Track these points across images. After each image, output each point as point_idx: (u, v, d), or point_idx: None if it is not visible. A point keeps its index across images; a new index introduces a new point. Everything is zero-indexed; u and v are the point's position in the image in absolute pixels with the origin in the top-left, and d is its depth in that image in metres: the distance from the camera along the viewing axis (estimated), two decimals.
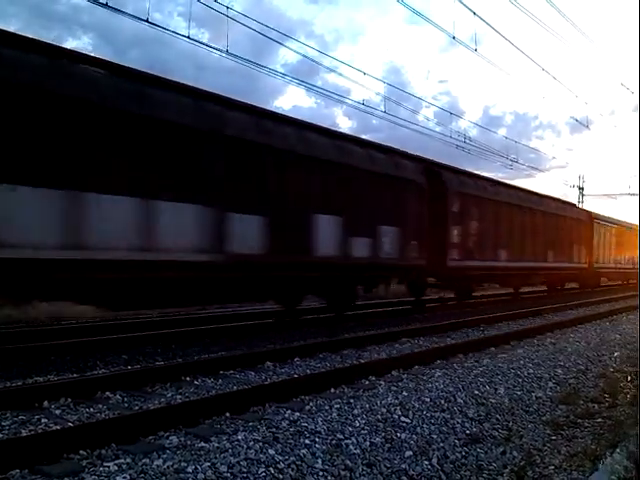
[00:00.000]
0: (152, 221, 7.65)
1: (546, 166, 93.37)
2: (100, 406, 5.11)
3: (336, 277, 11.16)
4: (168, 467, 3.56)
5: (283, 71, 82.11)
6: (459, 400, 5.57)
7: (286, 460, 3.80)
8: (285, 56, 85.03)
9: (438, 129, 54.89)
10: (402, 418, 4.87)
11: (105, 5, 9.14)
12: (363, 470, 3.87)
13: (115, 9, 9.37)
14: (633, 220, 28.96)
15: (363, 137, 12.99)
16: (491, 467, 4.22)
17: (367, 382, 6.24)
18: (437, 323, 11.28)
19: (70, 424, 4.49)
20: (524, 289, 21.10)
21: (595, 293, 23.74)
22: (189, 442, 4.07)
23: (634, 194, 36.68)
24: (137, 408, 5.12)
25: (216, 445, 3.97)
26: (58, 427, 4.40)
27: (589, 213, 25.21)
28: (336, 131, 12.35)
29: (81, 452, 3.79)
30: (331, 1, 78.56)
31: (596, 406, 5.86)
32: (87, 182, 7.00)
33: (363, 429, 4.51)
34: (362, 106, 15.86)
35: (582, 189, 39.65)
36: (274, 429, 4.38)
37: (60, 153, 6.84)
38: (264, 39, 12.01)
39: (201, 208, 8.25)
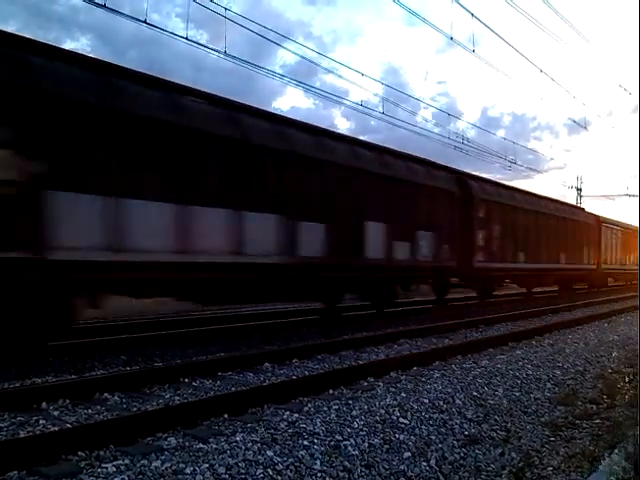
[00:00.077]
0: (242, 228, 8.88)
1: (544, 167, 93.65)
2: (98, 407, 5.10)
3: (381, 278, 12.41)
4: (166, 468, 3.55)
5: (281, 72, 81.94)
6: (458, 401, 5.57)
7: (284, 461, 3.79)
8: (283, 57, 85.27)
9: (436, 130, 55.07)
10: (401, 419, 4.87)
11: (103, 6, 9.13)
12: (361, 471, 3.87)
13: (113, 10, 9.37)
14: (634, 222, 29.51)
15: (408, 152, 14.08)
16: (489, 468, 4.22)
17: (366, 383, 6.23)
18: (436, 324, 11.28)
19: (68, 425, 4.49)
20: (536, 289, 21.98)
21: (601, 293, 24.73)
22: (187, 443, 4.06)
23: (632, 195, 36.81)
24: (135, 409, 5.11)
25: (214, 446, 3.97)
26: (56, 428, 4.40)
27: (597, 217, 26.20)
28: (382, 146, 13.20)
29: (79, 453, 3.79)
30: (329, 2, 78.67)
31: (594, 407, 5.86)
32: (194, 198, 8.25)
33: (362, 430, 4.51)
34: (360, 107, 15.94)
35: (580, 190, 39.77)
36: (272, 430, 4.37)
37: (185, 177, 8.21)
38: (262, 40, 12.11)
39: (279, 217, 9.57)
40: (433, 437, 4.61)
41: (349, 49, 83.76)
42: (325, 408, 5.08)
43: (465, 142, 20.20)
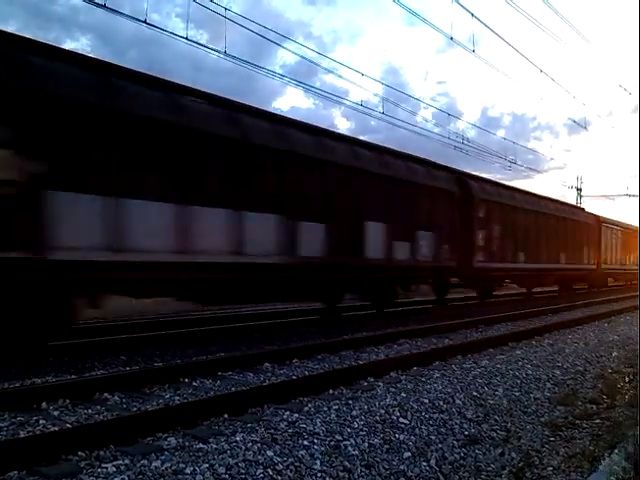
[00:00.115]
0: (242, 228, 8.91)
1: (544, 167, 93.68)
2: (98, 407, 5.10)
3: (381, 278, 12.47)
4: (166, 468, 3.55)
5: (281, 72, 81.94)
6: (457, 401, 5.57)
7: (284, 461, 3.79)
8: (283, 57, 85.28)
9: (436, 130, 55.06)
10: (401, 419, 4.87)
11: (103, 6, 9.13)
12: (362, 471, 3.87)
13: (113, 10, 9.37)
14: (634, 222, 29.62)
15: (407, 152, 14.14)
16: (489, 468, 4.22)
17: (366, 383, 6.23)
18: (435, 324, 11.28)
19: (68, 425, 4.49)
20: (536, 289, 22.09)
21: (601, 293, 24.84)
22: (187, 443, 4.06)
23: (632, 195, 36.81)
24: (135, 409, 5.11)
25: (214, 446, 3.97)
26: (56, 428, 4.40)
27: (597, 217, 26.30)
28: (382, 146, 13.23)
29: (79, 453, 3.79)
30: (329, 2, 78.68)
31: (594, 407, 5.86)
32: (194, 198, 8.28)
33: (362, 430, 4.51)
34: (360, 107, 15.96)
35: (580, 190, 39.77)
36: (272, 430, 4.37)
37: (185, 177, 8.24)
38: (262, 40, 12.13)
39: (279, 217, 9.59)
40: (433, 437, 4.61)
41: (349, 49, 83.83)
42: (325, 408, 5.08)
43: (465, 142, 20.24)
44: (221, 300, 10.28)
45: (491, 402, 5.73)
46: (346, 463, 3.91)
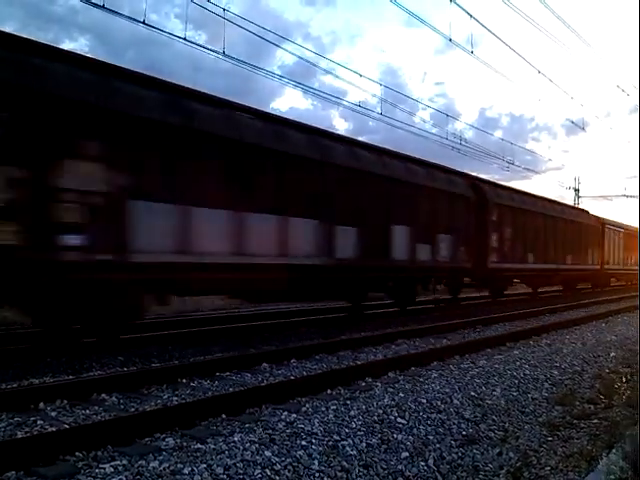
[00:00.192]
0: (288, 232, 9.75)
1: (542, 168, 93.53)
2: (96, 408, 5.09)
3: (405, 277, 13.33)
4: (164, 469, 3.55)
5: (280, 73, 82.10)
6: (455, 401, 5.58)
7: (282, 461, 3.79)
8: (282, 58, 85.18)
9: (434, 131, 55.13)
10: (398, 419, 4.87)
11: (102, 7, 9.13)
12: (359, 471, 3.87)
13: (112, 11, 9.36)
14: (633, 222, 30.03)
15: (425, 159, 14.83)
16: (487, 468, 4.23)
17: (363, 383, 6.24)
18: (434, 324, 11.30)
19: (66, 426, 4.48)
20: (542, 289, 22.82)
21: (604, 292, 25.43)
22: (185, 444, 4.06)
23: (630, 196, 36.87)
24: (133, 410, 5.11)
25: (212, 447, 3.97)
26: (54, 429, 4.39)
27: (600, 219, 26.92)
28: (406, 155, 13.98)
29: (77, 454, 3.78)
30: (328, 3, 78.73)
31: (592, 407, 5.86)
32: (250, 205, 9.09)
33: (359, 430, 4.51)
34: (359, 108, 15.93)
35: (578, 191, 39.83)
36: (270, 430, 4.37)
37: (242, 188, 9.06)
38: (261, 41, 12.20)
39: (318, 222, 10.46)
40: (431, 437, 4.62)
41: (348, 50, 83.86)
42: (323, 408, 5.08)
43: (463, 143, 20.30)
44: (265, 298, 11.23)
45: (489, 402, 5.74)
46: (344, 463, 3.91)
